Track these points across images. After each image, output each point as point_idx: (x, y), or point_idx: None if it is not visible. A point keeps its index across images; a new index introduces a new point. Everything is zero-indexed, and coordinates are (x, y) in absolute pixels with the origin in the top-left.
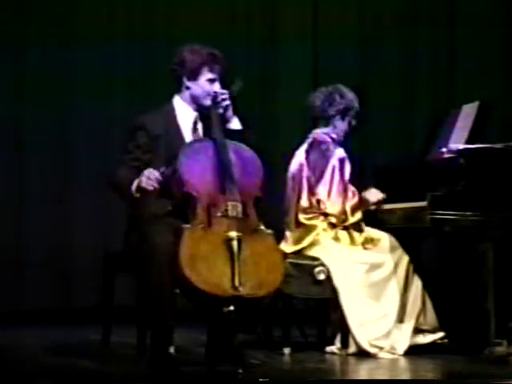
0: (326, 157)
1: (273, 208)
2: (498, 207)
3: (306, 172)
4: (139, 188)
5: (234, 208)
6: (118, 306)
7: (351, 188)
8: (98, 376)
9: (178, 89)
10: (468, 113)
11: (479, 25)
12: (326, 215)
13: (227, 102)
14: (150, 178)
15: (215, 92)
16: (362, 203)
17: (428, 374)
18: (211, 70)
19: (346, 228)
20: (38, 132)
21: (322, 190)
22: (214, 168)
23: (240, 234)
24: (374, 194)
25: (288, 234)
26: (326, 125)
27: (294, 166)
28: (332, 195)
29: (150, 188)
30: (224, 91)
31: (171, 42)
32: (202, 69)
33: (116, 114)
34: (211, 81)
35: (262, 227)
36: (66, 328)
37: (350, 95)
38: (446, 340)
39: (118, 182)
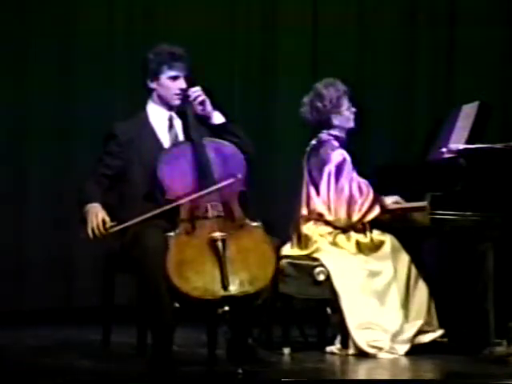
0: (322, 163)
1: (274, 206)
2: (497, 207)
3: (305, 177)
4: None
5: (214, 208)
6: (117, 305)
7: (364, 182)
8: (97, 376)
9: (147, 93)
10: (468, 113)
11: (479, 25)
12: (327, 223)
13: (202, 98)
14: (98, 227)
15: (181, 89)
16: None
17: (428, 373)
18: (171, 68)
19: (345, 231)
20: (38, 132)
21: (320, 203)
22: (193, 170)
23: (224, 233)
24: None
25: (293, 236)
26: (329, 128)
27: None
28: (332, 204)
29: (90, 235)
30: (196, 88)
31: (171, 42)
32: (161, 68)
33: (116, 114)
34: (173, 78)
35: (248, 222)
36: (66, 328)
37: (330, 90)
38: (445, 338)
39: (78, 196)
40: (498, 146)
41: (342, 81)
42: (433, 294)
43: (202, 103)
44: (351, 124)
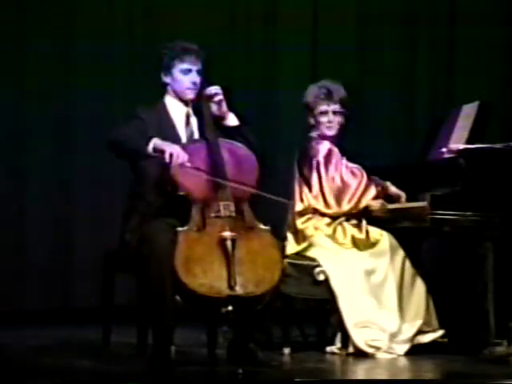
0: (310, 157)
1: (273, 207)
2: (497, 207)
3: (297, 178)
4: (160, 151)
5: (226, 208)
6: (117, 305)
7: (356, 166)
8: (97, 376)
9: (163, 88)
10: (468, 113)
11: (479, 25)
12: (324, 214)
13: (219, 97)
14: (178, 156)
15: (193, 83)
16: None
17: (428, 373)
18: (182, 61)
19: (344, 220)
20: (38, 132)
21: (313, 198)
22: (207, 169)
23: (234, 233)
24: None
25: (288, 235)
26: (311, 127)
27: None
28: (326, 195)
29: (175, 162)
30: (215, 87)
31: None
32: (173, 62)
33: (116, 113)
34: (185, 72)
35: (258, 224)
36: (67, 328)
37: (310, 90)
38: (445, 339)
39: (124, 138)
40: (498, 145)
41: (344, 85)
42: (433, 295)
43: (219, 103)
44: (326, 131)
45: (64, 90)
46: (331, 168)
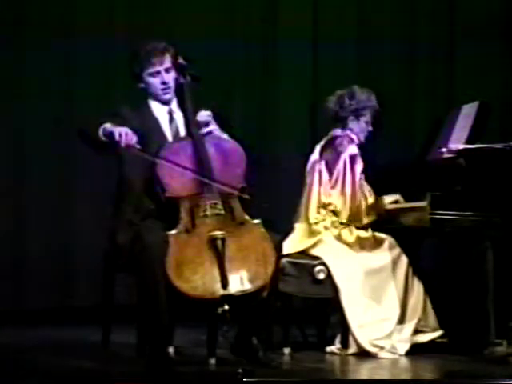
0: (337, 152)
1: (275, 205)
2: (497, 207)
3: (318, 167)
4: (108, 135)
5: (213, 207)
6: (118, 305)
7: (367, 187)
8: (97, 376)
9: (145, 92)
10: (468, 113)
11: (479, 24)
12: (335, 213)
13: (210, 127)
14: (127, 134)
15: (164, 83)
16: (378, 204)
17: (428, 373)
18: (149, 65)
19: (348, 225)
20: (38, 131)
21: (333, 191)
22: (193, 168)
23: (223, 232)
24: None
25: (296, 225)
26: (343, 126)
27: (310, 163)
28: (343, 194)
29: (122, 144)
30: (207, 117)
31: (171, 42)
32: (141, 68)
33: None
34: (153, 75)
35: (249, 219)
36: (66, 328)
37: (363, 95)
38: (445, 338)
39: (86, 127)
40: (498, 145)
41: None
42: (433, 295)
43: (211, 131)
44: (362, 137)
45: (64, 90)
46: (356, 169)
